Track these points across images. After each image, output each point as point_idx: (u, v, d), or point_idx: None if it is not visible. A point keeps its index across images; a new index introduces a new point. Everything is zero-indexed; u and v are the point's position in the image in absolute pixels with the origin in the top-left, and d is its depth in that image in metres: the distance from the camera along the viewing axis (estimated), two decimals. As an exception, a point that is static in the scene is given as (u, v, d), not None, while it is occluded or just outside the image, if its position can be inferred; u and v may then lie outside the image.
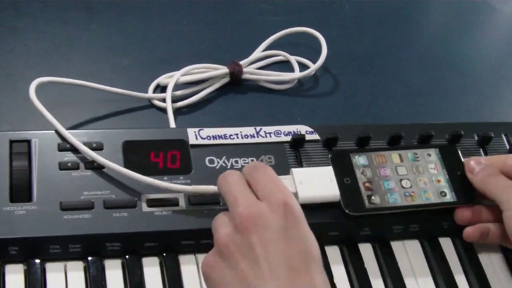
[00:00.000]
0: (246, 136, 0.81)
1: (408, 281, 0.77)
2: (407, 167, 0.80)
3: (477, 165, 0.78)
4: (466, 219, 0.76)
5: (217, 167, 0.78)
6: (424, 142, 0.85)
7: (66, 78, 0.88)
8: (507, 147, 0.88)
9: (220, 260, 0.63)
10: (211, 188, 0.75)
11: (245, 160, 0.79)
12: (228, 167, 0.76)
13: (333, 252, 0.78)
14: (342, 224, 0.76)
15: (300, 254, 0.62)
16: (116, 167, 0.73)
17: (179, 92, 0.94)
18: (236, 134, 0.81)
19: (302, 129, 0.83)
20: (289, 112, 0.96)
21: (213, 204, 0.75)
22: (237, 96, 0.97)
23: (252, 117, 0.92)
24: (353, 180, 0.77)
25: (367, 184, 0.77)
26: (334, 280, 0.74)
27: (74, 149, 0.76)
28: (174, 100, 0.92)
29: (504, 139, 0.88)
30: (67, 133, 0.76)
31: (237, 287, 0.61)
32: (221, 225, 0.65)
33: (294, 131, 0.82)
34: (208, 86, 0.96)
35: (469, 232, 0.76)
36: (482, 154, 0.87)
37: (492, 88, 1.02)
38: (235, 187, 0.67)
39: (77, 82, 0.90)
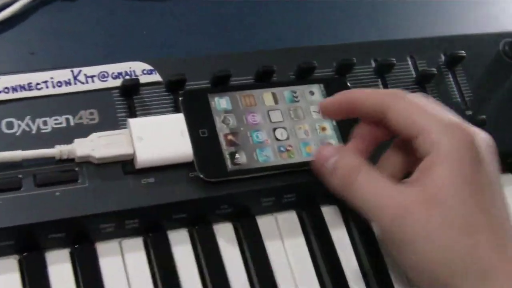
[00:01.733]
0: (59, 84, 0.61)
1: (278, 267, 0.62)
2: (283, 111, 0.64)
3: (331, 156, 0.58)
4: None
5: (18, 133, 0.58)
6: (304, 76, 0.66)
7: None
8: (413, 73, 0.71)
9: None
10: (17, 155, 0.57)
11: (57, 119, 0.60)
12: (34, 131, 0.57)
13: (180, 238, 0.61)
14: (193, 200, 0.60)
15: None
16: None
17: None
18: (46, 82, 0.61)
19: (138, 67, 0.63)
20: (135, 23, 0.74)
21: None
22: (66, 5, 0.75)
23: (87, 31, 0.74)
24: (211, 131, 0.61)
25: (230, 137, 0.62)
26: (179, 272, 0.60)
27: None
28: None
29: (410, 63, 0.71)
30: None
31: None
32: None
33: (125, 72, 0.63)
34: (26, -6, 0.74)
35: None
36: (381, 86, 0.69)
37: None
38: None
39: None
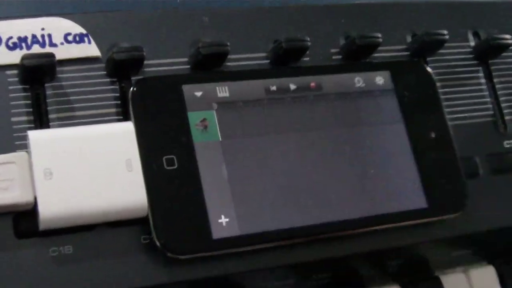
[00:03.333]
0: None
1: None
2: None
3: None
4: None
5: None
6: (358, 57, 0.39)
7: None
8: (535, 62, 0.43)
9: None
10: None
11: None
12: None
13: None
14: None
15: None
16: None
17: None
18: None
19: (57, 28, 0.36)
20: None
21: None
22: None
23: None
24: (185, 160, 0.35)
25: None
26: None
27: None
28: None
29: (531, 42, 0.43)
30: None
31: None
32: None
33: (33, 38, 0.34)
34: None
35: None
36: (482, 80, 0.42)
37: None
38: None
39: None
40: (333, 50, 0.40)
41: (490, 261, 0.42)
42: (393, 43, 0.41)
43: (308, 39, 0.38)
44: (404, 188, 0.37)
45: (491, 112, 0.42)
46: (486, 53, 0.42)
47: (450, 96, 0.41)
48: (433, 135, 0.39)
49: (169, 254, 0.33)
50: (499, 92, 0.42)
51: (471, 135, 0.41)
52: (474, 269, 0.41)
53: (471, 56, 0.42)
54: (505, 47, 0.41)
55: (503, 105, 0.42)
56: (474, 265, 0.41)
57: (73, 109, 0.35)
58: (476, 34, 0.43)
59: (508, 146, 0.41)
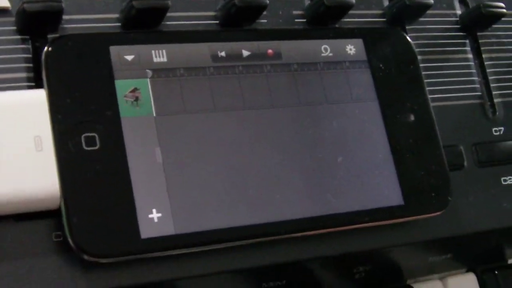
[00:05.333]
0: None
1: None
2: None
3: None
4: None
5: None
6: (325, 21, 0.34)
7: None
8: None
9: None
10: None
11: None
12: None
13: None
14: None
15: None
16: None
17: None
18: None
19: None
20: None
21: None
22: None
23: None
24: (108, 140, 0.30)
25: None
26: None
27: None
28: None
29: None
30: None
31: None
32: None
33: None
34: None
35: None
36: (469, 55, 0.38)
37: None
38: None
39: None
40: (296, 12, 0.35)
41: (471, 268, 0.38)
42: (367, 6, 0.35)
43: (267, -3, 0.33)
44: (377, 181, 0.31)
45: (478, 93, 0.37)
46: (475, 23, 0.37)
47: (432, 72, 0.36)
48: (412, 117, 0.34)
49: (85, 257, 0.27)
50: (488, 70, 0.37)
51: (455, 119, 0.36)
52: (452, 276, 0.37)
53: (457, 26, 0.37)
54: (497, 17, 0.37)
55: (492, 85, 0.37)
56: (453, 272, 0.37)
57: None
58: (463, 1, 0.38)
59: (497, 134, 0.36)
